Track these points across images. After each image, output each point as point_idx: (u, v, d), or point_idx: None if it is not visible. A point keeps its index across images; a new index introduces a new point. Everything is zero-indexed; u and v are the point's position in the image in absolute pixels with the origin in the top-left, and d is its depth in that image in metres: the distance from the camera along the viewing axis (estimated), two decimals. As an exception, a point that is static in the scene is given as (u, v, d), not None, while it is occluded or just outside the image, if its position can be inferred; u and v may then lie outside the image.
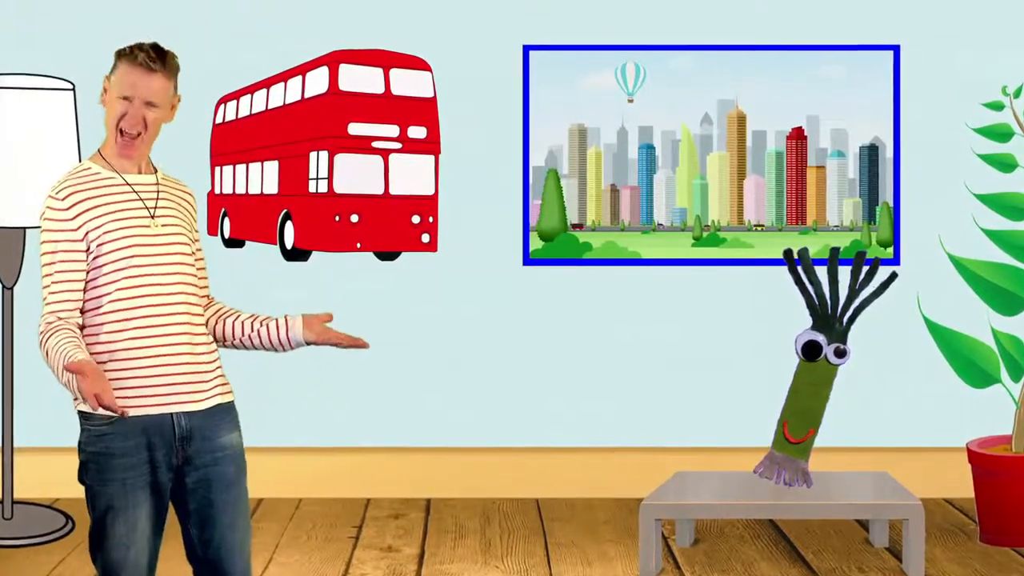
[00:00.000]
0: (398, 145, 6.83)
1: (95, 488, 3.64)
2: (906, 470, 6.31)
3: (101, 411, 3.51)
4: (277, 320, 3.88)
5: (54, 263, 3.62)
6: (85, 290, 3.64)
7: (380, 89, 6.81)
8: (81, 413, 3.65)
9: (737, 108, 6.84)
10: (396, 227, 6.82)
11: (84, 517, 3.77)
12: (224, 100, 6.92)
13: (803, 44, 6.77)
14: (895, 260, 6.75)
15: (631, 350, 6.81)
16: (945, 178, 6.64)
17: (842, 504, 5.58)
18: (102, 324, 3.63)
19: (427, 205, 6.83)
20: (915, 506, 5.43)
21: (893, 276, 5.60)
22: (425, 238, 6.83)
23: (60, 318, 3.60)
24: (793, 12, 6.78)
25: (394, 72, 6.81)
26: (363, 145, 6.80)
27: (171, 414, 3.66)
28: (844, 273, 5.66)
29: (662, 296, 6.81)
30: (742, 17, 6.78)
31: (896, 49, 6.77)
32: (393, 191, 6.83)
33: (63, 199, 3.64)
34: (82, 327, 3.63)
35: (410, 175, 6.83)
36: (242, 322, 3.87)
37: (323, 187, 6.76)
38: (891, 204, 6.81)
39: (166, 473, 3.67)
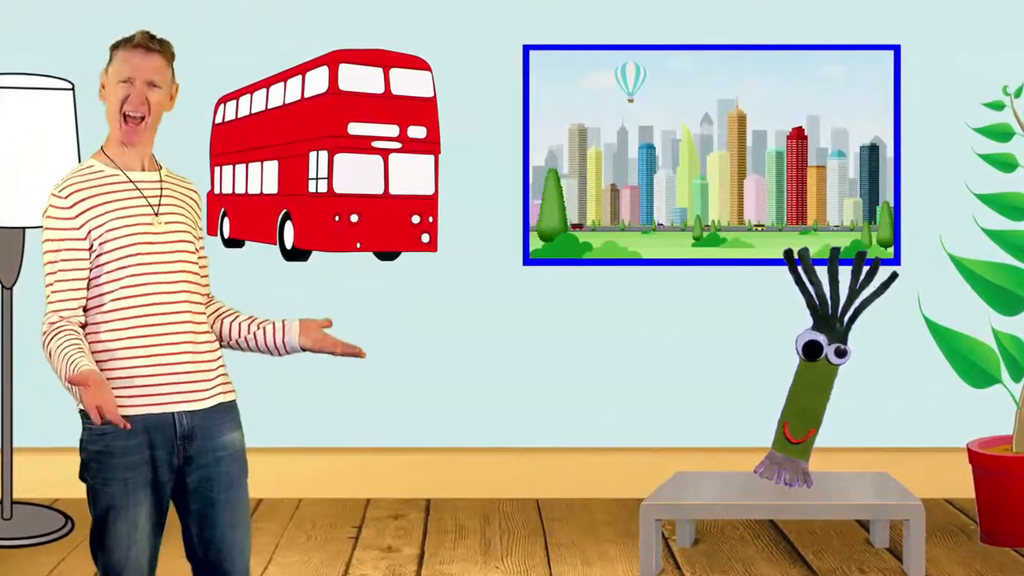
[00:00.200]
0: (398, 145, 6.82)
1: (96, 487, 3.64)
2: (907, 470, 6.31)
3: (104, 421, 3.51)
4: (275, 324, 3.87)
5: (57, 262, 3.62)
6: (88, 288, 3.64)
7: (380, 89, 6.81)
8: (83, 412, 3.65)
9: (737, 108, 6.84)
10: (396, 227, 6.81)
11: (84, 517, 3.77)
12: (224, 100, 6.91)
13: (803, 44, 6.77)
14: (895, 260, 6.75)
15: (631, 350, 6.81)
16: (946, 178, 6.64)
17: (843, 504, 5.57)
18: (104, 322, 3.62)
19: (427, 205, 6.83)
20: (916, 506, 5.42)
21: (893, 276, 5.59)
22: (425, 238, 6.82)
23: (63, 317, 3.60)
24: (793, 12, 6.78)
25: (394, 72, 6.81)
26: (363, 145, 6.80)
27: (172, 413, 3.66)
28: (844, 273, 5.65)
29: (662, 296, 6.81)
30: (742, 17, 6.78)
31: (896, 49, 6.77)
32: (393, 191, 6.82)
33: (66, 197, 3.63)
34: (84, 325, 3.63)
35: (410, 175, 6.82)
36: (239, 323, 3.87)
37: (323, 187, 6.75)
38: (891, 204, 6.80)
39: (167, 472, 3.67)
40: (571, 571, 5.65)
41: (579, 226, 6.85)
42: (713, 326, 6.79)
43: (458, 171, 6.82)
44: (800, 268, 5.61)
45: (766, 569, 5.65)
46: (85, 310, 3.64)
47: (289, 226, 6.87)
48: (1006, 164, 6.25)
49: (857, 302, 5.60)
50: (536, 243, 6.82)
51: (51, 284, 3.63)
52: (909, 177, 6.80)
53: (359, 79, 6.79)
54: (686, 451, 6.68)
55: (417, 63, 6.81)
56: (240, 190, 7.06)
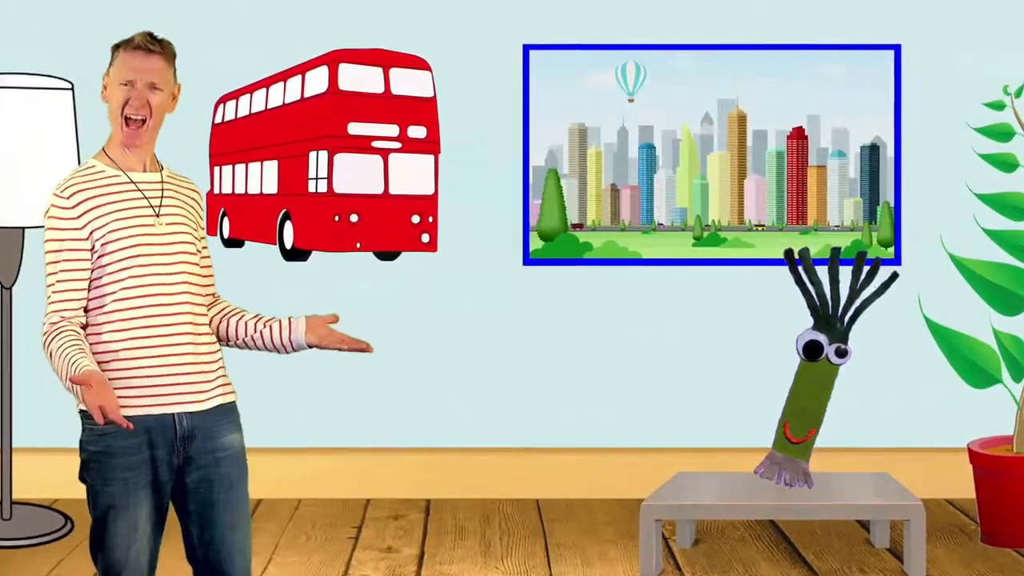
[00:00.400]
0: (398, 145, 6.82)
1: (96, 487, 3.63)
2: (907, 470, 6.30)
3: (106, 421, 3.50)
4: (280, 321, 3.87)
5: (58, 262, 3.62)
6: (89, 289, 3.63)
7: (380, 89, 6.80)
8: (83, 412, 3.65)
9: (738, 108, 6.83)
10: (396, 227, 6.81)
11: (83, 517, 3.77)
12: (223, 100, 6.91)
13: (804, 44, 6.77)
14: (896, 260, 6.74)
15: (631, 350, 6.80)
16: (946, 178, 6.63)
17: (843, 505, 5.57)
18: (105, 323, 3.62)
19: (427, 205, 6.82)
20: (916, 507, 5.42)
21: (894, 276, 5.59)
22: (425, 238, 6.82)
23: (64, 318, 3.60)
24: (794, 12, 6.77)
25: (394, 72, 6.80)
26: (363, 145, 6.79)
27: (173, 414, 3.65)
28: (845, 273, 5.65)
29: (663, 296, 6.81)
30: (743, 17, 6.78)
31: (897, 48, 6.76)
32: (393, 191, 6.82)
33: (68, 197, 3.63)
34: (85, 326, 3.62)
35: (410, 175, 6.82)
36: (245, 322, 3.87)
37: (323, 187, 6.75)
38: (892, 204, 6.80)
39: (167, 472, 3.67)
40: (571, 571, 5.64)
41: (579, 226, 6.84)
42: (713, 326, 6.79)
43: (458, 171, 6.81)
44: (800, 268, 5.60)
45: (766, 569, 5.65)
46: (86, 311, 3.64)
47: (289, 226, 6.86)
48: (1007, 164, 6.25)
49: (858, 302, 5.59)
50: (536, 243, 6.82)
51: (52, 284, 3.63)
52: (909, 177, 6.79)
53: (359, 79, 6.78)
54: (686, 451, 6.67)
55: (417, 63, 6.80)
56: (240, 190, 7.05)
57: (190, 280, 3.71)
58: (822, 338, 5.60)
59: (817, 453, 5.69)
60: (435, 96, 6.83)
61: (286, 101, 6.88)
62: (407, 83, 6.81)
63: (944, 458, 6.57)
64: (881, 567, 5.67)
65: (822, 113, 6.81)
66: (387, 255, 6.85)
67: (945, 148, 6.66)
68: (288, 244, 6.86)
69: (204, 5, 6.75)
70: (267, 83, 6.88)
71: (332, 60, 6.74)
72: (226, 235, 7.02)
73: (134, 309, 3.62)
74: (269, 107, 6.94)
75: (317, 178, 6.77)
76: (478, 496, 6.80)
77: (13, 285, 6.16)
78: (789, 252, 5.63)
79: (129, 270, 3.63)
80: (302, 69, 6.80)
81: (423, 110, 6.82)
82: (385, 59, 6.80)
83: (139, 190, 3.69)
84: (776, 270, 6.24)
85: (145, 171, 3.73)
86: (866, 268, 5.59)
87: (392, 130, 6.82)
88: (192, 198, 3.82)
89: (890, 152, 6.80)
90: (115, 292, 3.62)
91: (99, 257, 3.63)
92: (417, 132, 6.83)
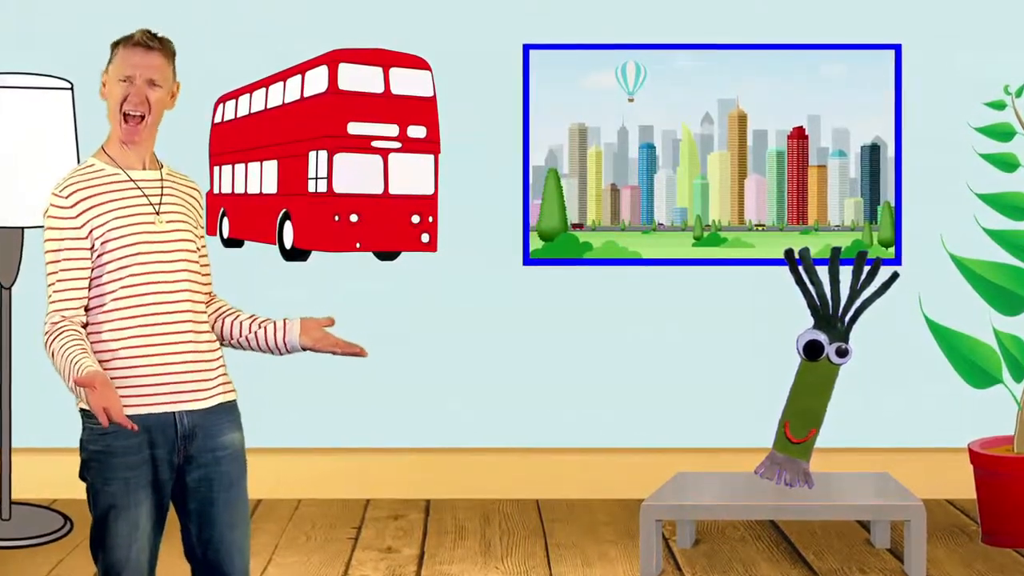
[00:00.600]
0: (398, 144, 6.81)
1: (97, 486, 3.63)
2: (907, 471, 6.30)
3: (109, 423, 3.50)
4: (275, 323, 3.86)
5: (58, 261, 3.61)
6: (89, 288, 3.63)
7: (380, 88, 6.80)
8: (83, 411, 3.64)
9: (738, 107, 6.83)
10: (396, 227, 6.80)
11: (82, 518, 3.76)
12: (223, 99, 6.90)
13: (804, 43, 6.76)
14: (896, 260, 6.74)
15: (631, 350, 6.80)
16: (947, 178, 6.63)
17: (843, 505, 5.56)
18: (106, 322, 3.61)
19: (427, 205, 6.82)
20: (916, 507, 5.41)
21: (894, 276, 5.58)
22: (425, 238, 6.81)
23: (65, 317, 3.59)
24: (794, 11, 6.77)
25: (394, 71, 6.80)
26: (363, 144, 6.78)
27: (173, 413, 3.65)
28: (845, 273, 5.64)
29: (663, 296, 6.80)
30: (743, 16, 6.77)
31: (897, 48, 6.76)
32: (393, 191, 6.81)
33: (67, 196, 3.62)
34: (85, 325, 3.62)
35: (410, 175, 6.81)
36: (240, 322, 3.86)
37: (322, 187, 6.74)
38: (892, 204, 6.79)
39: (167, 472, 3.66)
40: (571, 572, 5.64)
41: (579, 226, 6.84)
42: (713, 326, 6.79)
43: (458, 171, 6.81)
44: (801, 268, 5.60)
45: (767, 570, 5.64)
46: (87, 310, 3.63)
47: (288, 226, 6.86)
48: (1007, 164, 6.24)
49: (858, 302, 5.59)
50: (536, 243, 6.81)
51: (52, 284, 3.62)
52: (910, 177, 6.79)
53: (359, 79, 6.77)
54: (686, 451, 6.67)
55: (417, 63, 6.80)
56: (239, 190, 7.04)
57: (190, 279, 3.70)
58: (823, 338, 5.59)
59: (817, 453, 5.68)
60: (435, 96, 6.83)
61: (286, 101, 6.88)
62: (407, 83, 6.81)
63: (944, 458, 6.57)
64: (881, 567, 5.66)
65: (822, 113, 6.80)
66: (387, 255, 6.85)
67: (946, 148, 6.65)
68: (288, 244, 6.85)
69: (204, 5, 6.74)
70: (267, 83, 6.87)
71: (332, 60, 6.73)
72: (226, 235, 7.02)
73: (134, 308, 3.62)
74: (269, 107, 6.93)
75: (317, 178, 6.76)
76: (478, 496, 6.80)
77: (12, 285, 6.15)
78: (789, 252, 5.62)
79: (129, 268, 3.62)
80: (302, 69, 6.79)
81: (423, 110, 6.82)
82: (385, 59, 6.79)
83: (139, 188, 3.69)
84: (776, 270, 6.23)
85: (145, 169, 3.73)
86: (866, 268, 5.58)
87: (392, 130, 6.81)
88: (192, 196, 3.81)
89: (891, 152, 6.79)
90: (115, 291, 3.62)
91: (99, 256, 3.62)
92: (417, 132, 6.82)
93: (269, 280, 6.73)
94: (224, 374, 3.76)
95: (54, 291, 3.62)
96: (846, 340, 5.59)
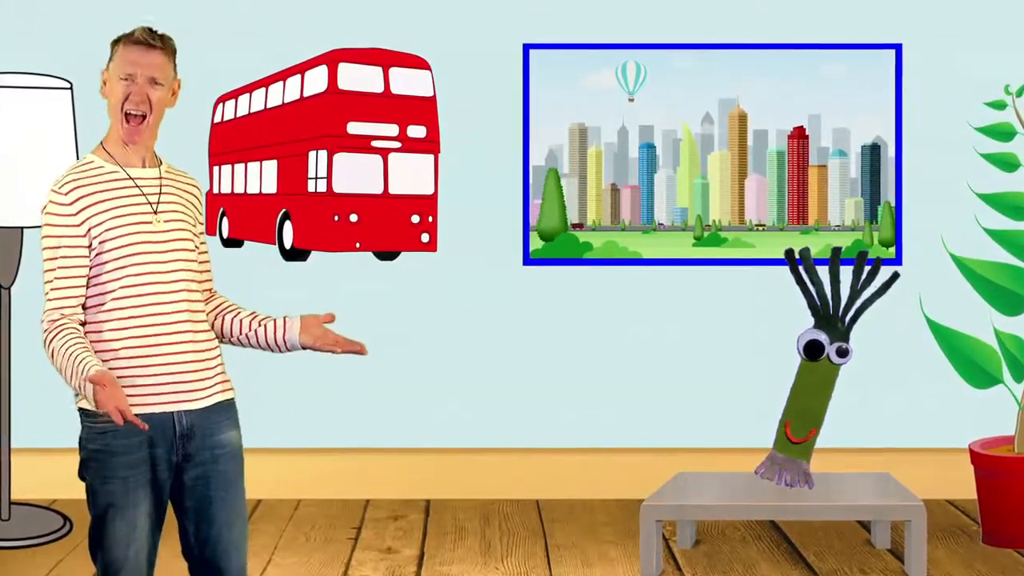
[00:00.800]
0: (397, 144, 6.81)
1: (95, 486, 3.62)
2: (908, 471, 6.29)
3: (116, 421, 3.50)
4: (275, 320, 3.86)
5: (56, 259, 3.60)
6: (88, 286, 3.62)
7: (379, 88, 6.79)
8: (82, 410, 3.64)
9: (738, 107, 6.82)
10: (395, 227, 6.80)
11: (82, 518, 3.76)
12: (223, 99, 6.90)
13: (804, 43, 6.75)
14: (897, 260, 6.73)
15: (632, 350, 6.79)
16: (947, 177, 6.62)
17: (844, 505, 5.56)
18: (105, 321, 3.60)
19: (427, 205, 6.81)
20: (917, 507, 5.40)
21: (895, 276, 5.57)
22: (425, 238, 6.81)
23: (64, 315, 3.58)
24: (794, 11, 6.76)
25: (393, 71, 6.79)
26: (362, 144, 6.78)
27: (172, 412, 3.64)
28: (846, 273, 5.63)
29: (663, 296, 6.79)
30: (743, 16, 6.77)
31: (898, 48, 6.75)
32: (392, 191, 6.81)
33: (66, 194, 3.61)
34: (84, 323, 3.61)
35: (410, 174, 6.81)
36: (240, 320, 3.85)
37: (322, 186, 6.74)
38: (893, 204, 6.79)
39: (166, 471, 3.66)
40: (571, 572, 5.63)
41: (579, 226, 6.83)
42: (714, 326, 6.78)
43: (458, 171, 6.80)
44: (801, 268, 5.59)
45: (767, 570, 5.64)
46: (86, 308, 3.63)
47: (288, 226, 6.85)
48: (1008, 164, 6.23)
49: (859, 302, 5.58)
50: (536, 243, 6.80)
51: (50, 281, 3.62)
52: (910, 177, 6.78)
53: (358, 78, 6.77)
54: (687, 452, 6.66)
55: (417, 62, 6.79)
56: (239, 190, 7.04)
57: (188, 278, 3.70)
58: (823, 338, 5.58)
59: (818, 453, 5.68)
60: (435, 96, 6.82)
61: (285, 101, 6.87)
62: (407, 82, 6.80)
63: (945, 458, 6.56)
64: (882, 568, 5.66)
65: (823, 113, 6.80)
66: (387, 255, 6.84)
67: (946, 148, 6.65)
68: (288, 244, 6.84)
69: (204, 5, 6.73)
70: (266, 82, 6.86)
71: (331, 59, 6.73)
72: (225, 235, 7.01)
73: (133, 308, 3.61)
74: (268, 107, 6.93)
75: (317, 178, 6.75)
76: (478, 496, 6.79)
77: (12, 285, 6.14)
78: (790, 252, 5.61)
79: (127, 268, 3.61)
80: (301, 68, 6.78)
81: (423, 110, 6.81)
82: (385, 58, 6.78)
83: (137, 187, 3.67)
84: (777, 270, 6.22)
85: (144, 167, 3.72)
86: (867, 268, 5.57)
87: (392, 130, 6.81)
88: (191, 193, 3.80)
89: (891, 152, 6.79)
90: (114, 291, 3.61)
91: (97, 255, 3.61)
92: (417, 132, 6.82)
93: (269, 280, 6.72)
94: (222, 372, 3.76)
95: (52, 288, 3.61)
96: (846, 340, 5.59)
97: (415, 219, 6.81)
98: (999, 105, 6.18)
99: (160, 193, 3.70)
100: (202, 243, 3.81)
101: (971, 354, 6.15)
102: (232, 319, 3.85)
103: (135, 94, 3.65)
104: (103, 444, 3.60)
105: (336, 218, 6.74)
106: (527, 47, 6.77)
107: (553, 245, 6.80)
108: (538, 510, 6.62)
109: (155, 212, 3.67)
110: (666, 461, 6.43)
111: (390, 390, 6.78)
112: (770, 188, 6.85)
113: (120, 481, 3.60)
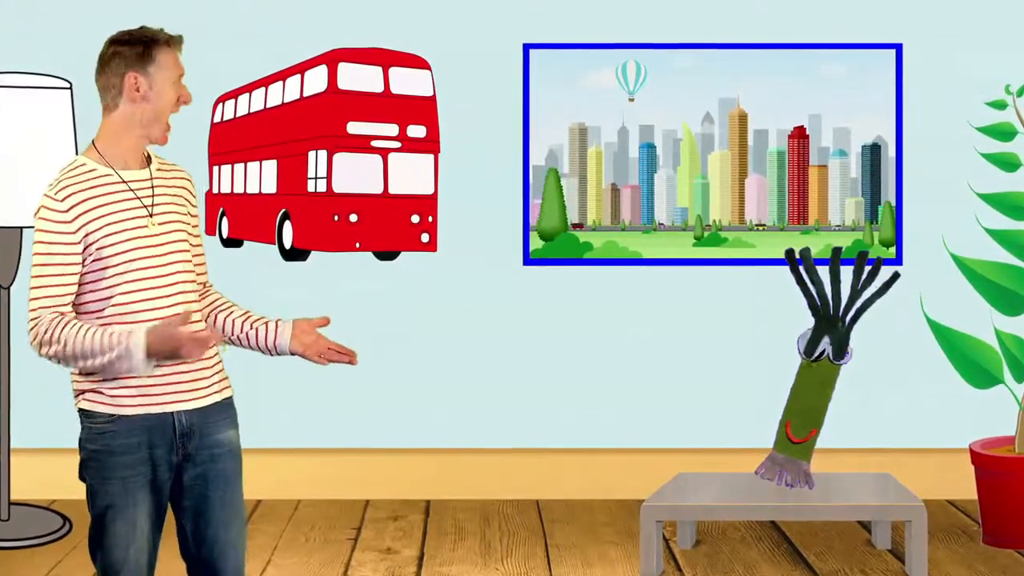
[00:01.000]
0: (397, 144, 6.80)
1: (95, 486, 3.61)
2: (908, 471, 6.29)
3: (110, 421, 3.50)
4: (268, 324, 3.83)
5: (48, 265, 3.57)
6: (85, 292, 3.59)
7: (379, 88, 6.79)
8: (82, 411, 3.62)
9: (738, 107, 6.82)
10: (395, 227, 6.79)
11: (81, 518, 3.76)
12: (222, 99, 6.89)
13: (805, 43, 6.75)
14: (898, 260, 6.72)
15: (631, 350, 6.79)
16: (948, 177, 6.61)
17: (844, 506, 5.55)
18: (104, 326, 3.58)
19: (427, 204, 6.81)
20: (917, 507, 5.40)
21: (895, 276, 5.57)
22: (424, 238, 6.80)
23: (62, 313, 3.56)
24: (795, 11, 6.76)
25: (393, 71, 6.79)
26: (362, 144, 6.77)
27: (172, 412, 3.63)
28: (846, 273, 5.63)
29: (663, 296, 6.79)
30: (744, 16, 6.76)
31: (898, 48, 6.75)
32: (392, 190, 6.80)
33: (62, 200, 3.56)
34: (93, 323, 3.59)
35: (409, 174, 6.80)
36: (233, 320, 3.83)
37: (322, 186, 6.73)
38: (893, 203, 6.78)
39: (166, 471, 3.65)
40: (571, 572, 5.62)
41: (579, 226, 6.83)
42: (714, 326, 6.77)
43: (458, 171, 6.80)
44: (802, 268, 5.59)
45: (767, 570, 5.63)
46: (83, 314, 3.60)
47: (288, 226, 6.84)
48: (1008, 163, 6.23)
49: (859, 302, 5.57)
50: (536, 243, 6.80)
51: (40, 286, 3.57)
52: (911, 176, 6.78)
53: (358, 78, 6.76)
54: (687, 452, 6.66)
55: (416, 62, 6.79)
56: (239, 189, 7.03)
57: (184, 279, 3.68)
58: (823, 337, 5.58)
59: (818, 454, 5.67)
60: (435, 95, 6.81)
61: (285, 100, 6.86)
62: (407, 82, 6.80)
63: (946, 459, 6.56)
64: (882, 568, 5.65)
65: (823, 112, 6.79)
66: (387, 255, 6.83)
67: (947, 148, 6.64)
68: (287, 244, 6.84)
69: (204, 5, 6.73)
70: (266, 82, 6.86)
71: (331, 59, 6.72)
72: (225, 235, 7.00)
73: (131, 313, 3.59)
74: (268, 106, 6.92)
75: (316, 178, 6.75)
76: (478, 497, 6.78)
77: (11, 285, 6.14)
78: (790, 252, 5.61)
79: (124, 275, 3.59)
80: (301, 68, 6.78)
81: (423, 109, 6.81)
82: (384, 58, 6.78)
83: (131, 190, 3.64)
84: (777, 270, 6.22)
85: (137, 167, 3.67)
86: (867, 268, 5.57)
87: (392, 129, 6.80)
88: (183, 187, 3.76)
89: (891, 152, 6.78)
90: (113, 297, 3.59)
91: (94, 261, 3.58)
92: (417, 131, 6.81)
93: (268, 280, 6.71)
94: (221, 371, 3.75)
95: (42, 292, 3.57)
96: (847, 340, 5.58)
97: (415, 219, 6.80)
98: (999, 105, 6.18)
99: (153, 195, 3.68)
100: (196, 237, 3.79)
101: (972, 354, 6.14)
102: (225, 318, 3.83)
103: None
104: (102, 444, 3.59)
105: (336, 218, 6.73)
106: (527, 47, 6.76)
107: (553, 245, 6.80)
108: (538, 510, 6.62)
109: (150, 215, 3.65)
110: (666, 461, 6.43)
111: (390, 390, 6.78)
112: (770, 188, 6.84)
113: (120, 481, 3.59)
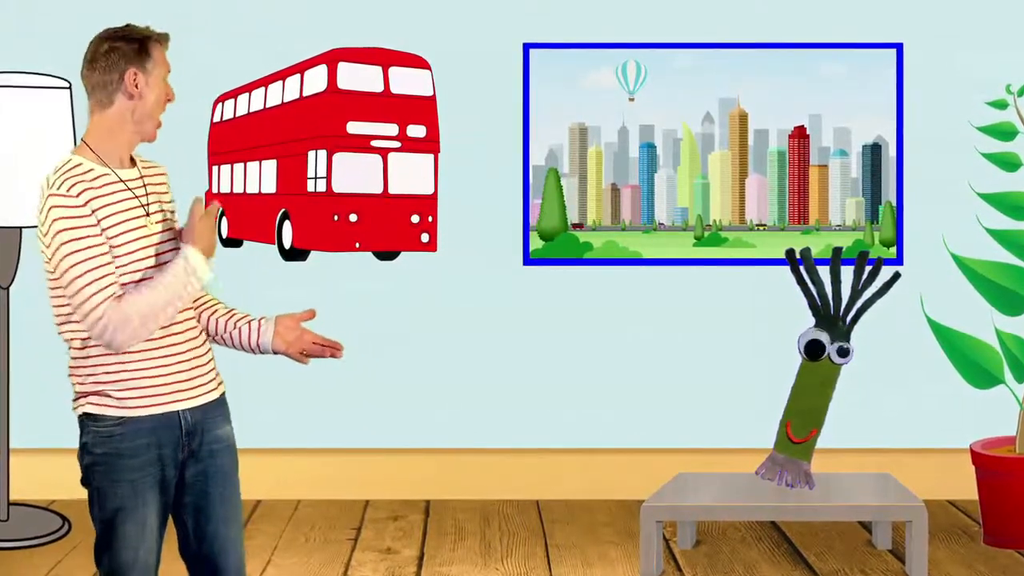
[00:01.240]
0: (397, 144, 6.80)
1: (104, 490, 3.59)
2: (909, 471, 6.28)
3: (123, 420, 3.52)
4: (251, 323, 3.81)
5: (88, 259, 3.48)
6: None
7: (379, 88, 6.78)
8: (87, 415, 3.59)
9: (739, 107, 6.81)
10: (395, 227, 6.78)
11: (80, 519, 3.74)
12: (222, 99, 6.88)
13: (805, 43, 6.74)
14: (898, 260, 6.72)
15: (632, 350, 6.78)
16: (949, 177, 6.61)
17: (845, 506, 5.55)
18: (146, 280, 3.56)
19: (426, 204, 6.80)
20: (918, 508, 5.39)
21: (896, 276, 5.56)
22: (424, 238, 6.79)
23: (117, 297, 3.50)
24: (795, 10, 6.75)
25: (393, 70, 6.78)
26: (362, 144, 6.77)
27: (177, 411, 3.63)
28: (847, 273, 5.62)
29: (663, 296, 6.78)
30: (744, 15, 6.76)
31: (899, 47, 6.74)
32: (392, 190, 6.79)
33: (76, 195, 3.51)
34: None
35: (409, 174, 6.80)
36: (218, 319, 3.81)
37: (322, 186, 6.72)
38: (894, 203, 6.78)
39: (172, 470, 3.64)
40: (571, 573, 5.62)
41: (579, 226, 6.82)
42: (714, 326, 6.77)
43: (458, 171, 6.79)
44: (802, 268, 5.58)
45: (768, 571, 5.63)
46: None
47: (288, 225, 6.84)
48: (1009, 163, 6.22)
49: (859, 302, 5.57)
50: (536, 243, 6.79)
51: (90, 282, 3.48)
52: (912, 176, 6.77)
53: (358, 78, 6.76)
54: (687, 452, 6.65)
55: (416, 62, 6.78)
56: (238, 189, 7.03)
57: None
58: (824, 337, 5.57)
59: (818, 454, 5.67)
60: (435, 95, 6.81)
61: (285, 100, 6.86)
62: (406, 82, 6.79)
63: (946, 459, 6.55)
64: (883, 568, 5.64)
65: (824, 112, 6.78)
66: (387, 255, 6.83)
67: (947, 147, 6.64)
68: (287, 244, 6.83)
69: (204, 5, 6.72)
70: (266, 82, 6.85)
71: (331, 59, 6.72)
72: (224, 235, 7.00)
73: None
74: (268, 106, 6.91)
75: (316, 177, 6.74)
76: (478, 497, 6.78)
77: (11, 285, 6.13)
78: (790, 252, 5.60)
79: (131, 275, 3.57)
80: (301, 68, 6.77)
81: (423, 109, 6.80)
82: (384, 58, 6.77)
83: (130, 189, 3.63)
84: (777, 270, 6.21)
85: (129, 167, 3.66)
86: (868, 268, 5.56)
87: (391, 129, 6.79)
88: (164, 183, 3.75)
89: (892, 151, 6.78)
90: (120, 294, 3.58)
91: None
92: (417, 131, 6.81)
93: (268, 280, 6.71)
94: (215, 367, 3.75)
95: (94, 287, 3.48)
96: (847, 340, 5.58)
97: (415, 219, 6.79)
98: (1000, 104, 6.17)
99: (146, 193, 3.67)
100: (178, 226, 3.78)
101: (972, 354, 6.13)
102: (209, 317, 3.81)
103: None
104: (111, 448, 3.58)
105: (336, 218, 6.73)
106: (527, 47, 6.76)
107: (553, 245, 6.79)
108: (538, 510, 6.61)
109: (147, 214, 3.65)
110: (666, 461, 6.42)
111: (390, 390, 6.77)
112: (771, 188, 6.84)
113: (129, 484, 3.58)
